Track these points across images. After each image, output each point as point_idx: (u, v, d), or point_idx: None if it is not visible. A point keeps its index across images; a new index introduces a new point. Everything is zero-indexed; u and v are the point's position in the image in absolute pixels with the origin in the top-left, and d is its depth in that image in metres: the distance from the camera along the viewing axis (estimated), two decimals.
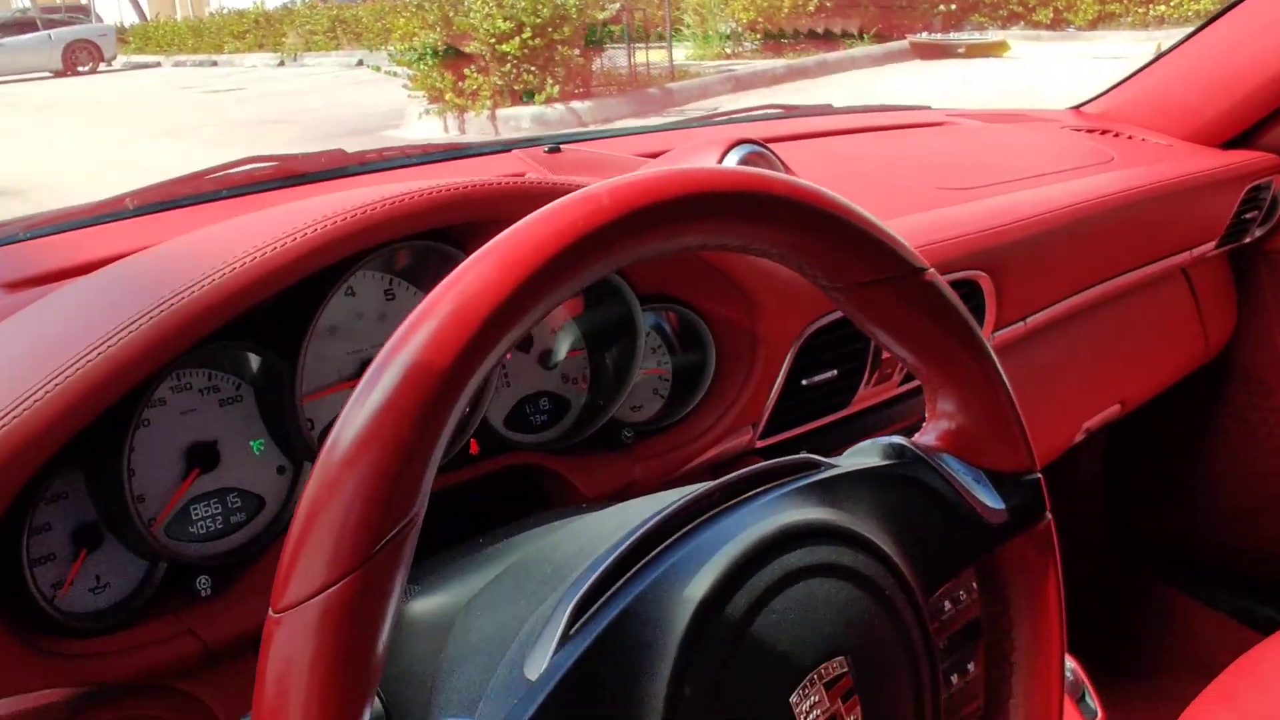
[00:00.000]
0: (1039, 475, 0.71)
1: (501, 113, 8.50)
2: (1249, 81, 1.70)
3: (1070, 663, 1.05)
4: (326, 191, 1.06)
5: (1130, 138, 1.74)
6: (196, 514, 0.73)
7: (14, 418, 0.59)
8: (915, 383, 1.15)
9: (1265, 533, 1.92)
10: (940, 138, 1.68)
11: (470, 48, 8.48)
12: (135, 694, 0.68)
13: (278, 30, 18.02)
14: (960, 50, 10.27)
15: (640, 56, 10.03)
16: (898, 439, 0.69)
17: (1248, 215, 1.73)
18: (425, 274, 0.81)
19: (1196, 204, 1.63)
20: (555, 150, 1.18)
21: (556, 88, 8.53)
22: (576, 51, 8.78)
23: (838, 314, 1.02)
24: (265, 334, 0.75)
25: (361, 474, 0.45)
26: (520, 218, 0.51)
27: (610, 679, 0.51)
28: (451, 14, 8.51)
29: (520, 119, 8.37)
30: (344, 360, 0.79)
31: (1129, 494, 2.09)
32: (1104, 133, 1.76)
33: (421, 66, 8.81)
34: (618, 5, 9.54)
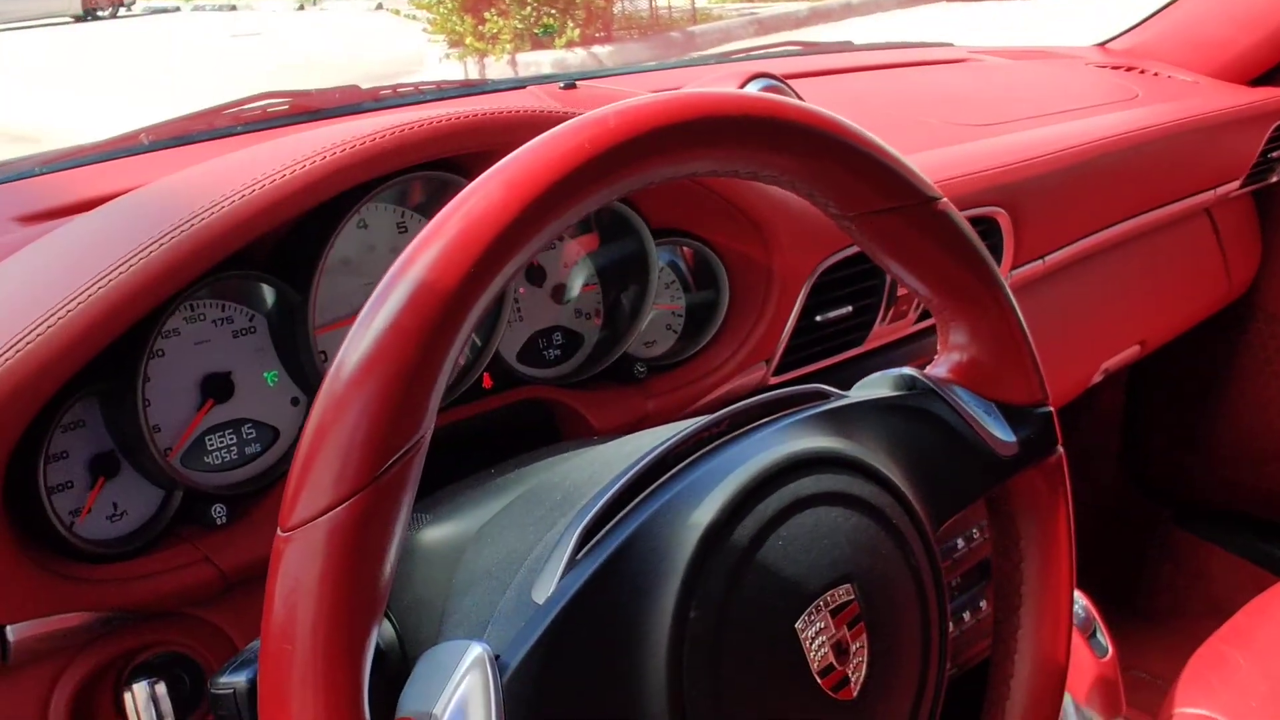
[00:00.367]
0: (1051, 408, 0.71)
1: (521, 57, 8.42)
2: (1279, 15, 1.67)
3: (1082, 600, 1.05)
4: None
5: (1156, 74, 1.72)
6: (212, 444, 0.74)
7: (28, 343, 0.60)
8: (932, 320, 1.14)
9: None
10: (961, 75, 1.66)
11: None
12: (152, 620, 0.69)
13: None
14: None
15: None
16: (909, 370, 0.69)
17: (1274, 154, 1.70)
18: (437, 207, 0.81)
19: (1221, 142, 1.60)
20: (570, 87, 1.17)
21: (577, 31, 8.45)
22: None
23: (853, 249, 1.01)
24: (278, 266, 0.75)
25: (368, 394, 0.45)
26: None
27: (616, 602, 0.51)
28: None
29: (541, 64, 8.29)
30: (357, 293, 0.79)
31: (1149, 434, 2.08)
32: (1129, 69, 1.74)
33: (441, 10, 8.73)
34: None
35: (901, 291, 1.09)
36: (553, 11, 8.39)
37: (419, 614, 0.62)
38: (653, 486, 0.55)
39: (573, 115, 0.78)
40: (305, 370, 0.76)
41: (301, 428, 0.78)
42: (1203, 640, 1.23)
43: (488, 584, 0.57)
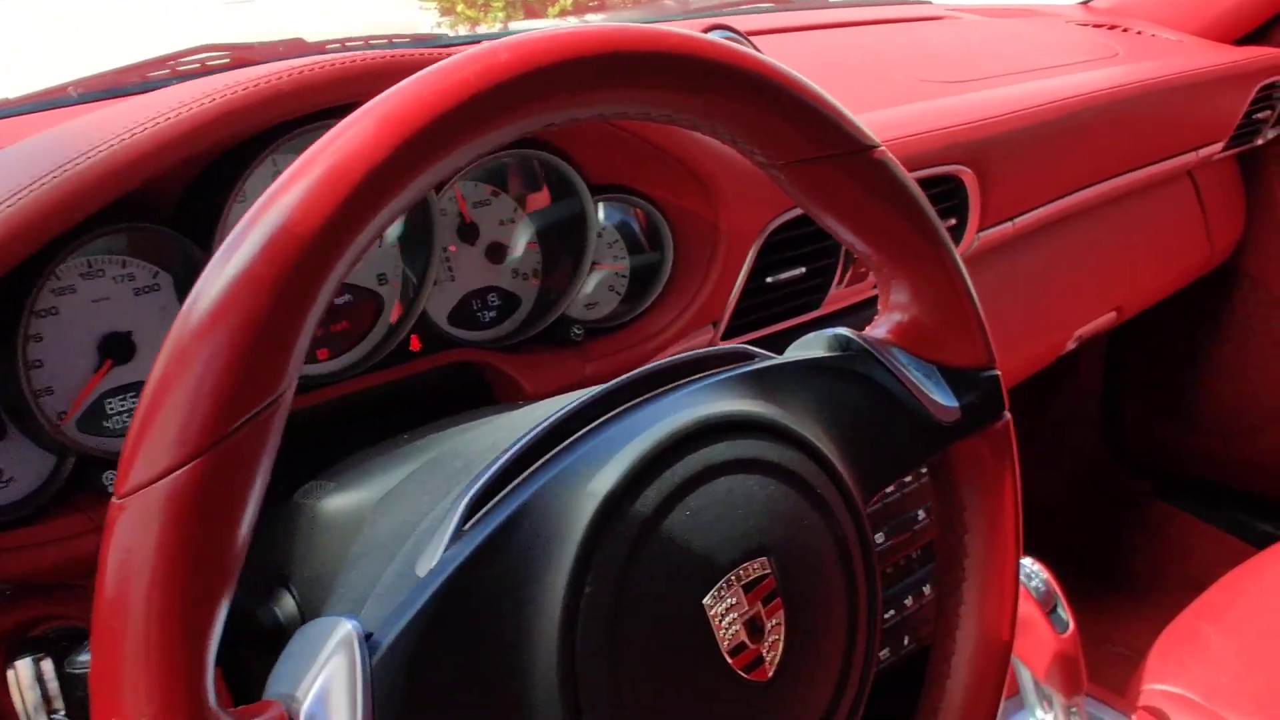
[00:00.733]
0: (997, 372, 0.67)
1: (514, 26, 8.33)
2: None
3: (1043, 573, 1.02)
4: None
5: (1139, 33, 1.67)
6: (112, 408, 0.70)
7: None
8: None
9: (1266, 445, 1.88)
10: (937, 31, 1.61)
11: None
12: (40, 592, 0.65)
13: None
14: None
15: None
16: (843, 331, 0.65)
17: (1259, 115, 1.66)
18: None
19: (1204, 102, 1.56)
20: None
21: None
22: None
23: None
24: (183, 220, 0.71)
25: (215, 346, 0.40)
26: None
27: (504, 577, 0.47)
28: None
29: None
30: None
31: (1129, 403, 2.05)
32: (1111, 27, 1.69)
33: None
34: None
35: None
36: None
37: (317, 587, 0.59)
38: (551, 453, 0.51)
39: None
40: None
41: None
42: (1178, 613, 1.20)
43: (377, 556, 0.54)
